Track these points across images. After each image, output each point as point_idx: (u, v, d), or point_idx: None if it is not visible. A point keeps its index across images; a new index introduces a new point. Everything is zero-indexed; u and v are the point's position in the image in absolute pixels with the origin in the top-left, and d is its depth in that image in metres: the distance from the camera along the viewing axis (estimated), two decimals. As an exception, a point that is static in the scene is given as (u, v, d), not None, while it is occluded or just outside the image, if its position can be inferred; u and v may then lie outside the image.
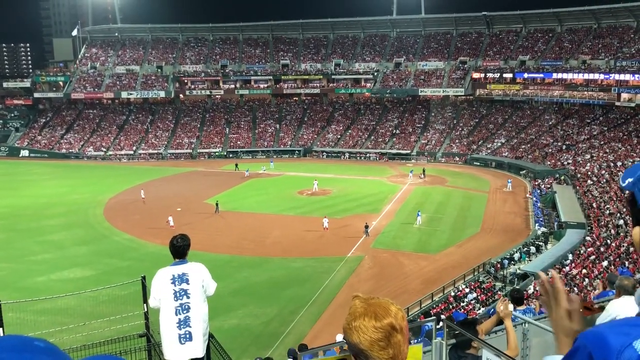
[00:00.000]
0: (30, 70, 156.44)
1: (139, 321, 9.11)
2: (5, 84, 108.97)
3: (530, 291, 29.76)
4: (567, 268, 33.76)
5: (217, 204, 50.35)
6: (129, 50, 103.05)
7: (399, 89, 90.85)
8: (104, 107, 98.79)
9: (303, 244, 41.40)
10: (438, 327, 7.79)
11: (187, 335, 5.85)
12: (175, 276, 5.90)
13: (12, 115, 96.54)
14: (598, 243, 37.39)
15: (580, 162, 61.75)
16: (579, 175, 56.32)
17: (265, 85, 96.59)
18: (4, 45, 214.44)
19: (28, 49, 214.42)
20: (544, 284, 2.19)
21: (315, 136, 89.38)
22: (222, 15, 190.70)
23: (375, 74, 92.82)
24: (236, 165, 72.62)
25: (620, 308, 4.26)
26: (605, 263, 32.87)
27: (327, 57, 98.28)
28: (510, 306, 5.77)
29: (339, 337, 2.49)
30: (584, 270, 32.67)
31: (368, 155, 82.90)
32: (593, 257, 35.04)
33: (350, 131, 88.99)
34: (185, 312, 5.86)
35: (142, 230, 44.78)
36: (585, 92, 75.93)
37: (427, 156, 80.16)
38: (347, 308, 2.26)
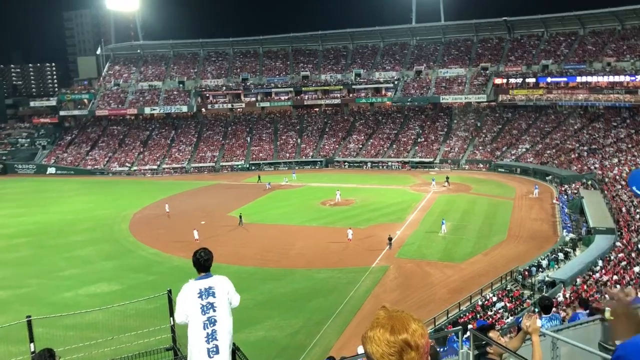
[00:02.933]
0: (56, 89, 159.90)
1: (165, 335, 9.11)
2: (32, 103, 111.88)
3: (560, 299, 29.16)
4: (598, 274, 33.01)
5: (240, 217, 50.58)
6: (151, 67, 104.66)
7: (420, 97, 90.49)
8: (128, 123, 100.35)
9: (327, 254, 41.27)
10: (465, 336, 7.64)
11: (215, 349, 5.85)
12: (202, 290, 5.90)
13: (39, 133, 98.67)
14: (629, 248, 36.50)
15: (608, 166, 60.62)
16: (606, 180, 55.25)
17: (286, 97, 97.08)
18: (30, 65, 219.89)
19: (53, 68, 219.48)
20: (620, 300, 2.13)
21: (337, 146, 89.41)
22: (242, 29, 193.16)
23: (396, 82, 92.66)
24: (259, 177, 72.97)
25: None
26: (637, 269, 32.04)
27: (347, 67, 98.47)
28: (539, 322, 5.59)
29: (360, 350, 2.46)
30: (615, 277, 31.89)
31: (390, 164, 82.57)
32: (624, 263, 34.20)
33: (371, 140, 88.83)
34: (212, 325, 5.86)
35: (167, 244, 45.16)
36: (611, 95, 74.62)
37: (451, 164, 79.53)
38: (372, 316, 2.23)
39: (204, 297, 5.90)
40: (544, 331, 5.99)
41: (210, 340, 5.86)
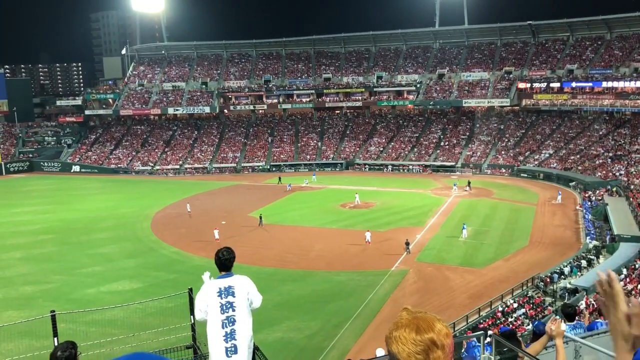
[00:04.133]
0: (82, 89, 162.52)
1: (186, 333, 9.22)
2: (58, 102, 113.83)
3: (582, 306, 28.73)
4: (622, 283, 32.44)
5: (260, 217, 50.78)
6: (175, 67, 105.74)
7: (442, 100, 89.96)
8: (151, 123, 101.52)
9: (346, 257, 41.24)
10: (486, 341, 7.58)
11: (233, 348, 5.87)
12: (222, 289, 5.94)
13: (65, 132, 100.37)
14: (654, 257, 35.84)
15: (634, 173, 59.56)
16: (632, 187, 54.28)
17: (308, 99, 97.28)
18: (57, 65, 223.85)
19: (80, 68, 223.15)
20: (602, 285, 2.10)
21: (358, 149, 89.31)
22: (265, 31, 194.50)
23: (418, 85, 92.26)
24: (279, 178, 73.21)
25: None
26: (662, 278, 31.45)
27: (369, 69, 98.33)
28: (564, 325, 5.54)
29: (379, 352, 2.45)
30: (640, 286, 31.32)
31: (411, 167, 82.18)
32: (649, 271, 33.59)
33: (393, 143, 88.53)
34: (231, 325, 5.89)
35: (188, 243, 45.57)
36: (638, 101, 73.25)
37: (473, 168, 78.86)
38: (391, 322, 2.24)
39: (223, 296, 5.93)
40: (569, 335, 5.94)
41: (228, 339, 5.89)
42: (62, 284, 36.65)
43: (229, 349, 5.88)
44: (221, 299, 5.92)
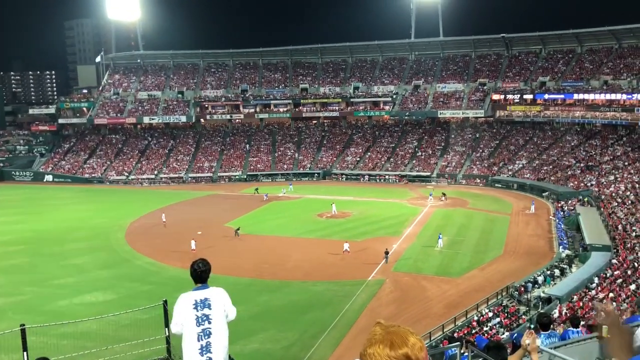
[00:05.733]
0: (55, 97, 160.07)
1: (160, 345, 9.09)
2: (31, 111, 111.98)
3: (556, 315, 29.12)
4: (594, 292, 33.01)
5: (237, 229, 50.29)
6: (151, 76, 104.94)
7: (418, 111, 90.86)
8: (127, 132, 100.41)
9: (323, 267, 41.18)
10: (462, 352, 7.64)
11: None
12: (198, 301, 5.86)
13: (38, 140, 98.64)
14: (625, 266, 36.56)
15: (604, 183, 60.82)
16: (603, 197, 55.40)
17: (285, 109, 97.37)
18: (30, 73, 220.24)
19: (53, 76, 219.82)
20: (609, 314, 2.17)
21: (335, 159, 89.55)
22: (242, 41, 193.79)
23: (394, 96, 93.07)
24: (256, 189, 72.94)
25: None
26: (633, 287, 32.09)
27: (346, 80, 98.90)
28: (538, 340, 5.61)
29: None
30: (611, 294, 31.89)
31: (387, 177, 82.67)
32: (620, 280, 34.25)
33: (369, 154, 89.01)
34: (207, 337, 5.81)
35: (163, 254, 45.01)
36: (608, 113, 75.04)
37: (448, 178, 79.68)
38: (368, 333, 2.23)
39: (199, 308, 5.85)
40: (543, 348, 6.02)
41: (204, 352, 5.81)
42: (33, 296, 35.86)
43: None
44: (197, 311, 5.85)
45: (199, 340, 5.78)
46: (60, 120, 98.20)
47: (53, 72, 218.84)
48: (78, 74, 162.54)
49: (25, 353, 8.10)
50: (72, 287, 37.35)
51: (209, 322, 5.83)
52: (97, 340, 21.37)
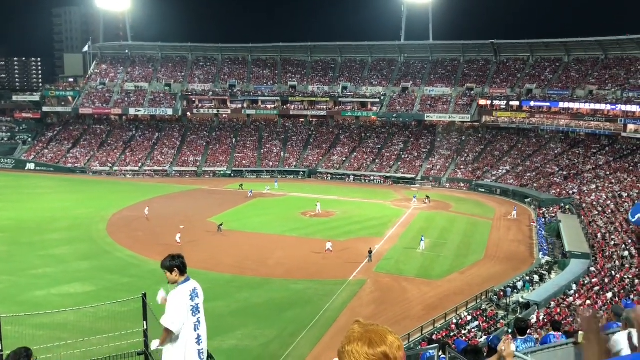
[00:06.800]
0: (40, 85, 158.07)
1: (138, 339, 9.02)
2: (15, 97, 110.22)
3: (534, 320, 29.42)
4: (571, 299, 33.40)
5: (220, 225, 50.09)
6: (139, 68, 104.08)
7: (405, 114, 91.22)
8: (112, 123, 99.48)
9: (305, 265, 41.19)
10: (440, 354, 7.68)
11: (203, 351, 5.91)
12: (191, 291, 5.92)
13: (21, 128, 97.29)
14: (602, 274, 37.04)
15: (586, 191, 61.55)
16: (584, 205, 56.06)
17: (273, 106, 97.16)
18: (15, 59, 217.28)
19: (39, 64, 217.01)
20: (589, 320, 2.18)
21: (321, 158, 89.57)
22: (232, 36, 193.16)
23: (382, 97, 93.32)
24: (241, 185, 72.67)
25: (626, 341, 4.19)
26: (609, 295, 32.51)
27: (335, 80, 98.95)
28: (513, 346, 5.65)
29: None
30: (588, 302, 32.30)
31: (372, 178, 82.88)
32: (597, 288, 34.68)
33: (355, 154, 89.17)
34: (199, 327, 5.90)
35: (144, 247, 44.67)
36: (592, 122, 76.04)
37: (432, 181, 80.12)
38: (346, 331, 2.23)
39: (194, 298, 5.92)
40: (518, 354, 6.06)
41: (200, 342, 5.89)
42: (9, 285, 35.39)
43: (200, 352, 5.90)
44: (192, 301, 5.91)
45: (195, 330, 5.84)
46: (45, 109, 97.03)
47: (39, 59, 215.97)
48: (64, 62, 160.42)
49: (-1, 342, 7.99)
50: (51, 277, 36.94)
51: (199, 312, 5.91)
52: (74, 332, 21.18)
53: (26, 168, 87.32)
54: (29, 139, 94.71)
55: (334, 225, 53.11)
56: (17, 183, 74.78)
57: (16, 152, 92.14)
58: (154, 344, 6.12)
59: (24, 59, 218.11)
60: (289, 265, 41.03)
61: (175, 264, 6.01)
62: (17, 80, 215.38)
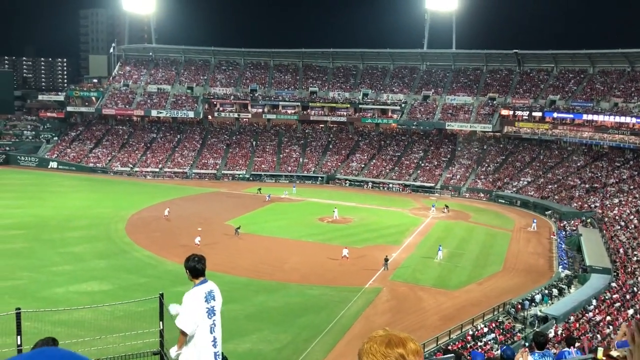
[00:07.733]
0: (65, 85, 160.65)
1: (153, 339, 9.06)
2: (40, 97, 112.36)
3: (551, 335, 28.97)
4: (591, 314, 32.83)
5: (237, 228, 50.21)
6: (162, 70, 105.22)
7: (425, 122, 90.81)
8: (134, 124, 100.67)
9: (321, 271, 41.12)
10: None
11: (218, 353, 5.91)
12: (207, 293, 5.92)
13: (45, 127, 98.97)
14: (624, 290, 36.36)
15: (609, 205, 60.58)
16: (606, 219, 55.17)
17: (293, 111, 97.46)
18: (42, 59, 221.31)
19: (65, 64, 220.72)
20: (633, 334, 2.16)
21: (339, 164, 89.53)
22: (254, 40, 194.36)
23: (403, 105, 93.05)
24: (259, 189, 72.94)
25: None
26: (631, 311, 31.90)
27: (356, 86, 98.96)
28: (530, 358, 5.57)
29: None
30: (608, 317, 31.72)
31: (391, 186, 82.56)
32: (618, 304, 34.05)
33: (374, 161, 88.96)
34: (215, 330, 5.91)
35: (161, 248, 45.04)
36: (616, 135, 74.81)
37: (452, 190, 79.53)
38: (362, 339, 2.28)
39: (209, 300, 5.92)
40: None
41: (215, 344, 5.91)
42: (30, 281, 35.89)
43: (217, 354, 5.91)
44: (208, 303, 5.91)
45: (211, 333, 5.85)
46: (69, 108, 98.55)
47: (65, 59, 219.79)
48: (89, 63, 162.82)
49: (19, 337, 8.07)
50: (69, 274, 37.37)
51: (215, 314, 5.92)
52: (91, 330, 21.40)
53: (49, 166, 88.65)
54: (53, 138, 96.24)
55: (351, 232, 52.98)
56: (40, 181, 75.97)
57: (40, 150, 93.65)
58: (173, 351, 6.12)
59: (50, 59, 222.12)
60: (305, 271, 40.99)
61: (185, 266, 6.05)
62: (43, 79, 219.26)
